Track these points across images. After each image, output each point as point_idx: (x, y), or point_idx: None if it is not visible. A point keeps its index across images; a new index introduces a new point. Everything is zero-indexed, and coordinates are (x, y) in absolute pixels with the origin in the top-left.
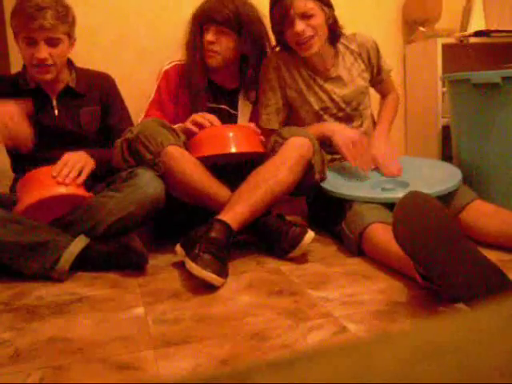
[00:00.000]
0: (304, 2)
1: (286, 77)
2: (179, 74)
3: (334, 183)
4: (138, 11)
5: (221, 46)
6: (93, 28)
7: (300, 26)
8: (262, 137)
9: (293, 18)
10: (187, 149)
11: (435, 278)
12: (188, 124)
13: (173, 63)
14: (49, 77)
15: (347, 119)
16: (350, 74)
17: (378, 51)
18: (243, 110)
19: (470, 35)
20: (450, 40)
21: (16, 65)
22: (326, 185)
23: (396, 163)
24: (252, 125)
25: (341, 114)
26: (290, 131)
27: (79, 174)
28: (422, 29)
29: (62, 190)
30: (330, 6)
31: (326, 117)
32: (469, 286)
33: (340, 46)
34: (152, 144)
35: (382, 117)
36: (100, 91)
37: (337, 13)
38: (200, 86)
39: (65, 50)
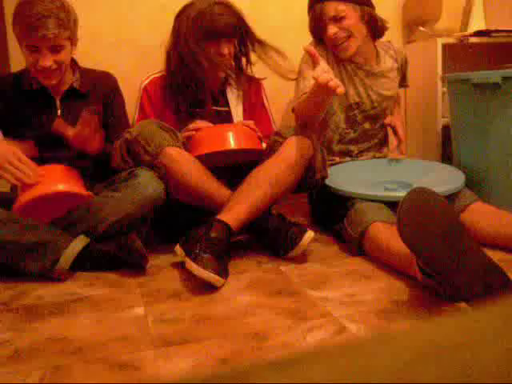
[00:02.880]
0: (334, 6)
1: (330, 63)
2: (160, 87)
3: (338, 181)
4: (138, 11)
5: (231, 56)
6: (93, 28)
7: (332, 29)
8: (260, 134)
9: (325, 22)
10: (186, 150)
11: (436, 274)
12: (184, 134)
13: (150, 77)
14: (54, 82)
15: (374, 118)
16: (389, 75)
17: (407, 62)
18: (235, 107)
19: (470, 35)
20: (450, 40)
21: (16, 65)
22: (329, 182)
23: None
24: (251, 122)
25: (371, 112)
26: (290, 130)
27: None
28: (421, 29)
29: (61, 187)
30: (365, 4)
31: (356, 112)
32: (470, 283)
33: (380, 50)
34: (150, 146)
35: (398, 115)
36: (102, 90)
37: None
38: (208, 98)
39: (68, 54)
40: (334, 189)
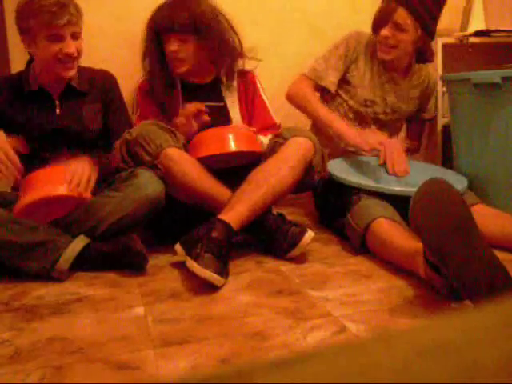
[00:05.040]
0: (405, 15)
1: (359, 54)
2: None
3: (346, 172)
4: (138, 11)
5: (185, 52)
6: (93, 28)
7: (387, 32)
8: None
9: (387, 21)
10: (187, 151)
11: (443, 266)
12: (179, 120)
13: (144, 77)
14: (72, 72)
15: (384, 125)
16: (410, 92)
17: (435, 90)
18: (231, 102)
19: (470, 35)
20: (450, 40)
21: (16, 65)
22: (337, 173)
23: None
24: (245, 127)
25: (382, 117)
26: (290, 131)
27: (88, 184)
28: None
29: (61, 190)
30: (428, 32)
31: (369, 110)
32: (475, 279)
33: (414, 68)
34: (151, 146)
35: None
36: (102, 89)
37: (342, 12)
38: (166, 98)
39: (82, 43)
40: (341, 178)
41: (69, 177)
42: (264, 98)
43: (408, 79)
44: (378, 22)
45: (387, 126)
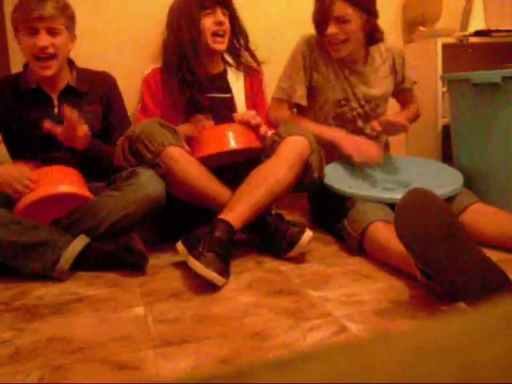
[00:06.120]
0: (343, 7)
1: (317, 59)
2: (160, 77)
3: (337, 180)
4: (138, 12)
5: (227, 27)
6: (94, 29)
7: (332, 29)
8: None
9: (329, 19)
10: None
11: (435, 275)
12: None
13: (150, 68)
14: (50, 72)
15: (365, 118)
16: (376, 74)
17: (403, 59)
18: (238, 93)
19: (470, 35)
20: (450, 40)
21: (16, 65)
22: (328, 181)
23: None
24: (253, 112)
25: (360, 111)
26: (287, 130)
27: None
28: (421, 29)
29: (62, 189)
30: (371, 14)
31: (346, 109)
32: (468, 283)
33: (371, 51)
34: (153, 144)
35: (401, 112)
36: (101, 90)
37: None
38: (200, 76)
39: (65, 43)
40: (333, 188)
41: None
42: (265, 97)
43: (370, 63)
44: (320, 22)
45: (370, 117)
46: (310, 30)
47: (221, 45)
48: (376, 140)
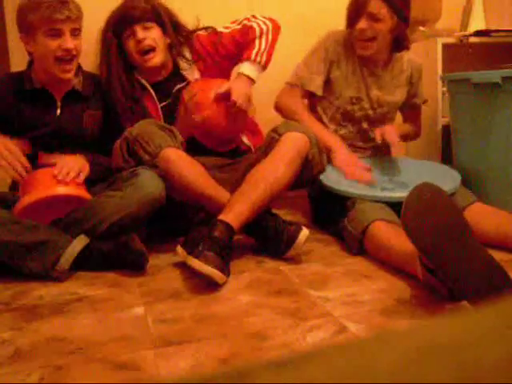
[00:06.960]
0: (378, 5)
1: (340, 54)
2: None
3: (337, 180)
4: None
5: (154, 40)
6: (93, 29)
7: (363, 24)
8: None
9: (362, 14)
10: (185, 150)
11: (439, 271)
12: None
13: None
14: (70, 75)
15: (373, 121)
16: (392, 82)
17: (420, 74)
18: (192, 75)
19: (470, 35)
20: (450, 40)
21: (16, 65)
22: (328, 182)
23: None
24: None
25: (370, 112)
26: (285, 126)
27: (78, 175)
28: (421, 28)
29: (61, 190)
30: (403, 19)
31: (356, 108)
32: (472, 281)
33: (394, 55)
34: (150, 146)
35: (404, 125)
36: (104, 94)
37: (337, 13)
38: (138, 99)
39: (81, 43)
40: (333, 189)
41: (58, 170)
42: (223, 30)
43: (389, 70)
44: (353, 16)
45: (378, 121)
46: (310, 30)
47: (151, 60)
48: (376, 141)
